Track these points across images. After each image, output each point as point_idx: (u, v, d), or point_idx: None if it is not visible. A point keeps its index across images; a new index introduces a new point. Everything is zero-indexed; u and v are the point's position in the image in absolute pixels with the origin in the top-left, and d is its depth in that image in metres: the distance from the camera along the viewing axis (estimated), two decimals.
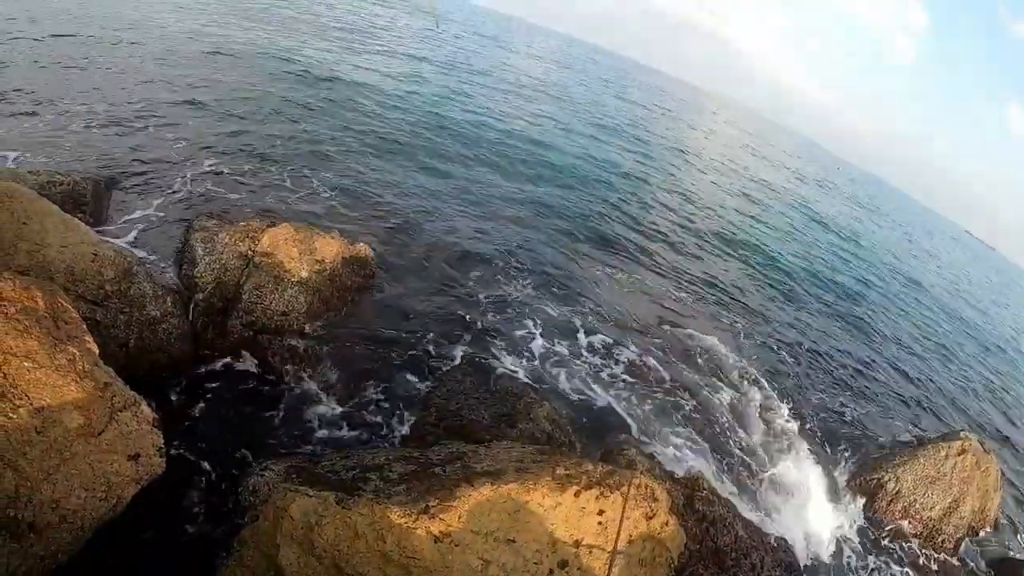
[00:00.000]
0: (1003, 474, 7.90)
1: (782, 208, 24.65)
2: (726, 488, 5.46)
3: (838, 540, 6.21)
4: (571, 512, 3.68)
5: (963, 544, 7.12)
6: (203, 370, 4.59)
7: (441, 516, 3.33)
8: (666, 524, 3.97)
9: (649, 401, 6.76)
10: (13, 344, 2.79)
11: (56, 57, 10.26)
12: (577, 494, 3.74)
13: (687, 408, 6.96)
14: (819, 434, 7.97)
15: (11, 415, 2.56)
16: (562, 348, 7.03)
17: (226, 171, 7.95)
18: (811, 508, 6.40)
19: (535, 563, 3.49)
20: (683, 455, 5.56)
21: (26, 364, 2.78)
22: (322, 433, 4.58)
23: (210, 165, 7.93)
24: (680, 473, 4.99)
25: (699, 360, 8.25)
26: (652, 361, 7.60)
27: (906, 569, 6.35)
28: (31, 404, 2.68)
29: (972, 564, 6.99)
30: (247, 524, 3.19)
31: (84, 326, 3.28)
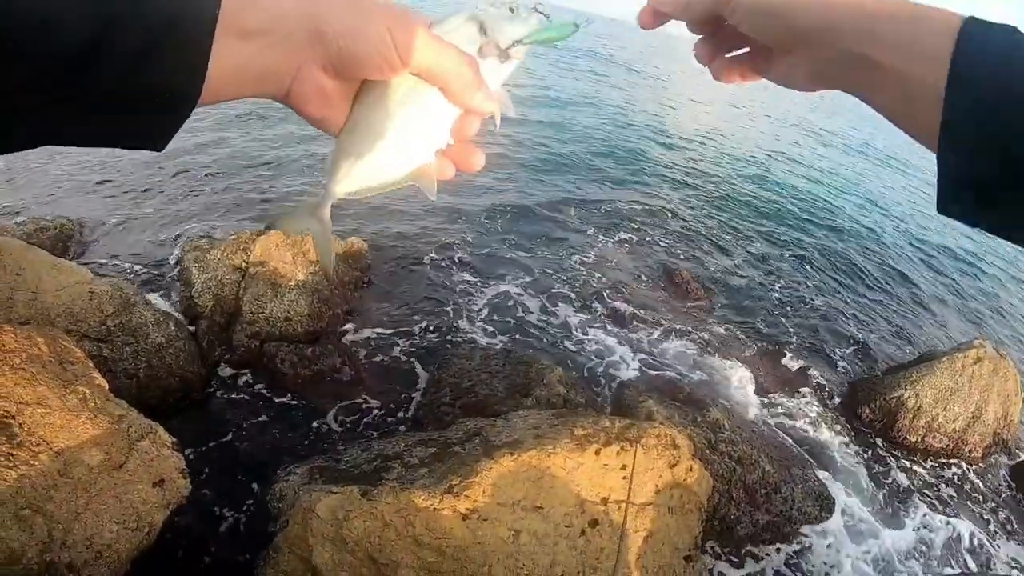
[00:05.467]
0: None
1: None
2: (747, 425, 5.50)
3: (865, 462, 6.24)
4: (594, 471, 3.73)
5: (990, 451, 7.11)
6: (215, 387, 4.68)
7: (465, 493, 3.39)
8: (690, 470, 4.01)
9: (659, 348, 6.82)
10: (23, 393, 2.86)
11: None
12: (598, 452, 3.79)
13: (693, 344, 7.00)
14: (828, 357, 7.98)
15: (33, 463, 2.63)
16: (566, 310, 7.06)
17: (210, 188, 7.98)
18: (834, 434, 6.43)
19: (566, 526, 3.55)
20: (699, 395, 5.61)
21: (39, 411, 2.85)
22: (340, 430, 4.66)
23: (194, 186, 7.95)
24: (699, 417, 5.04)
25: (695, 293, 8.27)
26: (657, 308, 7.63)
27: (937, 483, 6.38)
28: (50, 448, 2.75)
29: (1000, 470, 7.02)
30: (278, 530, 3.28)
31: (91, 364, 3.34)
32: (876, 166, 26.57)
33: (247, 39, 0.63)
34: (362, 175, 0.75)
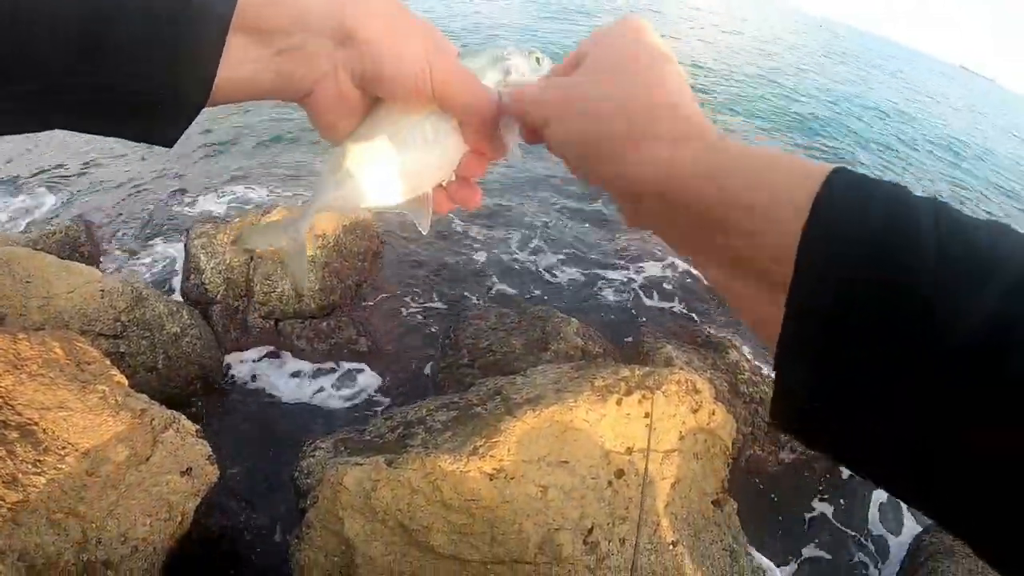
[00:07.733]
0: None
1: None
2: (767, 365, 5.46)
3: None
4: (617, 421, 3.72)
5: None
6: (234, 371, 4.74)
7: (490, 454, 3.40)
8: (713, 414, 3.99)
9: (674, 292, 6.75)
10: (44, 399, 2.89)
11: None
12: (619, 402, 3.77)
13: (708, 287, 6.88)
14: None
15: (60, 466, 2.68)
16: (579, 263, 7.00)
17: (212, 171, 7.92)
18: None
19: (592, 479, 3.56)
20: (717, 338, 5.56)
21: (61, 414, 2.89)
22: (361, 401, 4.72)
23: (195, 170, 7.90)
24: (718, 360, 5.00)
25: None
26: (669, 250, 7.49)
27: None
28: (76, 450, 2.80)
29: None
30: (309, 506, 3.33)
31: (108, 362, 3.37)
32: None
33: (263, 40, 0.57)
34: (355, 196, 0.70)
